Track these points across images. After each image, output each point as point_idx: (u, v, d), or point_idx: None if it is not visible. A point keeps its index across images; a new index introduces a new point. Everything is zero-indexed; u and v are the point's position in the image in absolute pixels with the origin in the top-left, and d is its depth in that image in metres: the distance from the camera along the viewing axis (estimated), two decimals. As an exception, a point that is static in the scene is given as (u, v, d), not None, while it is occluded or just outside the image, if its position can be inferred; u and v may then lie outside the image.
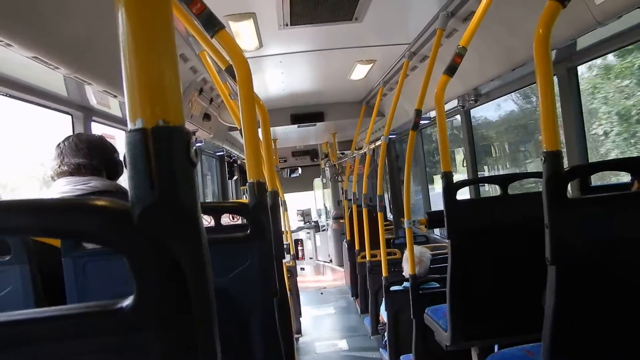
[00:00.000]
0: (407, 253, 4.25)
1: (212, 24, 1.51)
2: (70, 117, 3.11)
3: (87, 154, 1.98)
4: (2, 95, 2.44)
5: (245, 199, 1.69)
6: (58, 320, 0.47)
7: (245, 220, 1.53)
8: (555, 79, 3.20)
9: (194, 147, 0.49)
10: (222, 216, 1.94)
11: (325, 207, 11.90)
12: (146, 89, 0.47)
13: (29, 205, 0.46)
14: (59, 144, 2.01)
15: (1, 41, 1.78)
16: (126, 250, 0.46)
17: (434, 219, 2.97)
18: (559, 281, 1.52)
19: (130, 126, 0.47)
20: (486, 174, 5.56)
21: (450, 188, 2.47)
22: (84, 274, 1.47)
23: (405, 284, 4.31)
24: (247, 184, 1.52)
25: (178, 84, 0.49)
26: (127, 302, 0.46)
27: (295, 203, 12.17)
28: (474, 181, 4.62)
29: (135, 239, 0.46)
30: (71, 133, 3.01)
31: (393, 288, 4.36)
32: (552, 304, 1.56)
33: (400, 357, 4.23)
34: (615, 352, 1.60)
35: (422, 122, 4.46)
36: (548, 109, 1.49)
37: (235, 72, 1.52)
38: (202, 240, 0.49)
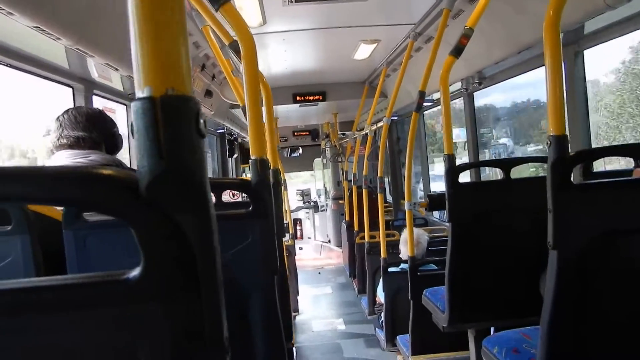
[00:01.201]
0: (404, 235, 4.27)
1: None
2: (71, 89, 3.09)
3: (87, 127, 1.97)
4: (3, 65, 2.41)
5: (245, 177, 1.68)
6: (63, 289, 0.46)
7: (245, 199, 1.52)
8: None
9: (202, 117, 0.48)
10: (222, 193, 1.93)
11: (325, 188, 11.91)
12: (156, 55, 0.45)
13: (36, 172, 0.44)
14: (58, 116, 2.00)
15: (2, 9, 1.75)
16: (133, 220, 0.45)
17: (435, 202, 2.96)
18: (560, 266, 1.52)
19: (137, 94, 0.46)
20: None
21: (452, 171, 2.46)
22: (84, 247, 1.46)
23: (403, 265, 4.34)
24: (250, 160, 1.51)
25: (187, 53, 0.47)
26: (134, 273, 0.46)
27: (295, 183, 12.18)
28: (477, 164, 4.61)
29: (142, 209, 0.45)
30: (71, 106, 2.99)
31: (391, 269, 4.39)
32: (552, 289, 1.56)
33: (397, 337, 4.27)
34: (614, 340, 1.61)
35: (425, 104, 4.44)
36: (556, 93, 1.47)
37: (240, 47, 1.50)
38: (210, 211, 0.48)
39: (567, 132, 1.50)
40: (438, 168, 6.79)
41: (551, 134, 1.47)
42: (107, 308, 0.46)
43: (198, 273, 0.46)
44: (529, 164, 4.17)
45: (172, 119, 0.46)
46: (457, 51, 2.55)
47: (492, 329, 2.88)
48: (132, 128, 0.46)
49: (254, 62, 1.51)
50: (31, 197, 0.46)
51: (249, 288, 1.50)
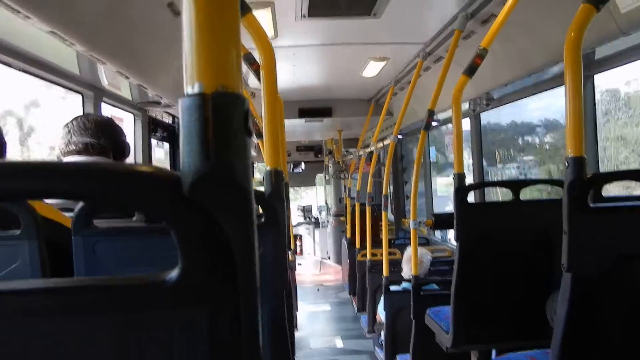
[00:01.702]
0: (407, 253, 4.24)
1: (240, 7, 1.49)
2: (80, 96, 3.09)
3: (96, 134, 1.97)
4: (17, 69, 2.42)
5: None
6: (97, 291, 0.44)
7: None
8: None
9: (251, 117, 0.47)
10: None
11: (327, 204, 11.88)
12: (209, 51, 0.44)
13: (79, 169, 0.43)
14: (67, 123, 2.00)
15: (20, 12, 1.76)
16: (174, 220, 0.44)
17: (440, 221, 2.95)
18: (574, 289, 1.50)
19: (187, 90, 0.45)
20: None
21: (461, 190, 2.45)
22: (93, 254, 1.45)
23: (404, 284, 4.30)
24: (265, 171, 1.50)
25: (239, 51, 0.46)
26: (172, 275, 0.44)
27: (296, 198, 12.15)
28: (486, 184, 4.60)
29: (184, 209, 0.43)
30: (80, 113, 2.99)
31: (392, 288, 4.35)
32: (564, 312, 1.54)
33: (397, 357, 4.22)
34: None
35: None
36: (575, 114, 1.47)
37: (260, 59, 1.50)
38: (252, 214, 0.46)
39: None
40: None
41: (569, 155, 1.46)
42: (143, 311, 0.45)
43: (237, 277, 0.45)
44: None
45: (223, 117, 0.44)
46: (471, 71, 2.56)
47: (493, 352, 2.85)
48: (178, 125, 0.45)
49: (273, 74, 1.51)
50: (74, 193, 0.44)
51: (260, 300, 1.47)
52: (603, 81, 3.19)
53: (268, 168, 1.49)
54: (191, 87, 0.44)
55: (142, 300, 0.44)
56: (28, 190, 0.42)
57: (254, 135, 1.66)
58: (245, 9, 1.49)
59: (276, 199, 1.45)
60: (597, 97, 3.18)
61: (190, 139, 0.44)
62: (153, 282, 0.44)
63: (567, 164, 1.46)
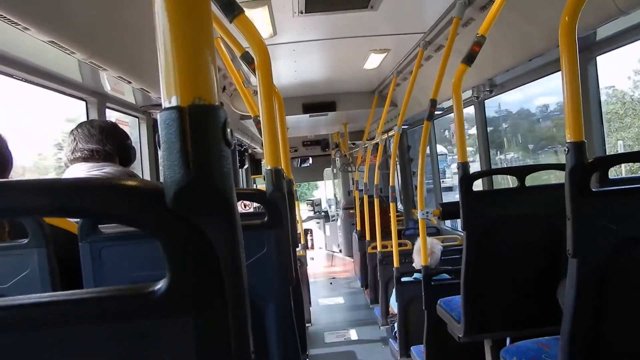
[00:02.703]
0: (417, 244, 4.24)
1: (231, 8, 1.49)
2: (84, 103, 3.11)
3: (100, 140, 2.00)
4: (19, 79, 2.44)
5: (256, 188, 1.68)
6: (86, 303, 0.45)
7: (258, 209, 1.52)
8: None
9: (229, 127, 0.47)
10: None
11: (336, 197, 11.89)
12: (183, 65, 0.45)
13: (59, 184, 0.44)
14: (72, 130, 2.03)
15: (18, 25, 1.78)
16: (158, 232, 0.44)
17: (447, 211, 2.94)
18: (580, 274, 1.50)
19: (165, 104, 0.45)
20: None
21: (466, 179, 2.45)
22: (100, 259, 1.46)
23: (416, 275, 4.30)
24: (265, 170, 1.51)
25: (214, 63, 0.47)
26: (159, 286, 0.45)
27: (305, 194, 12.17)
28: (491, 172, 4.57)
29: (168, 220, 0.44)
30: (85, 119, 3.01)
31: (404, 279, 4.35)
32: (572, 298, 1.54)
33: (411, 348, 4.22)
34: (636, 349, 1.58)
35: (436, 112, 4.42)
36: (573, 99, 1.46)
37: (255, 58, 1.50)
38: (237, 223, 0.47)
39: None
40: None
41: (569, 141, 1.46)
42: (131, 322, 0.45)
43: (225, 285, 0.45)
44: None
45: (200, 128, 0.45)
46: (469, 59, 2.54)
47: (508, 340, 2.84)
48: (159, 138, 0.46)
49: (268, 72, 1.51)
50: (55, 209, 0.45)
51: (266, 299, 1.49)
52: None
53: (268, 167, 1.50)
54: (168, 101, 0.45)
55: (131, 311, 0.45)
56: (5, 209, 0.43)
57: (259, 135, 1.68)
58: (238, 10, 1.49)
59: (278, 198, 1.46)
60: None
61: (169, 152, 0.45)
62: (141, 293, 0.45)
63: (567, 150, 1.46)
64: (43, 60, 2.50)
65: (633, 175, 2.90)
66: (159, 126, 0.45)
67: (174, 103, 0.45)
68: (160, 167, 0.46)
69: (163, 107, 0.45)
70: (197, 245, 0.45)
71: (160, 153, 0.46)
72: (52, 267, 1.44)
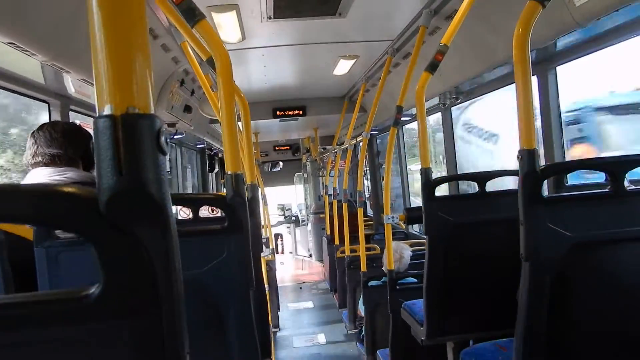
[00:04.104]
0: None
1: (192, 14, 1.50)
2: (47, 105, 3.05)
3: (63, 144, 1.93)
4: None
5: (216, 193, 1.68)
6: (20, 307, 0.46)
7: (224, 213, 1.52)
8: (535, 79, 3.23)
9: (165, 136, 0.48)
10: (202, 208, 1.92)
11: (306, 202, 11.90)
12: (116, 75, 0.46)
13: None
14: (33, 132, 1.95)
15: None
16: (92, 237, 0.45)
17: (412, 215, 2.99)
18: (533, 277, 1.55)
19: (98, 112, 0.46)
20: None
21: (428, 184, 2.49)
22: (56, 265, 1.45)
23: (385, 279, 4.34)
24: (225, 176, 1.52)
25: (149, 71, 0.48)
26: (93, 290, 0.46)
27: (276, 197, 12.15)
28: (452, 178, 4.66)
29: (101, 226, 0.45)
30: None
31: (371, 283, 4.39)
32: (525, 300, 1.59)
33: (377, 352, 4.26)
34: (587, 350, 1.63)
35: (403, 118, 4.48)
36: (526, 108, 1.51)
37: (215, 63, 1.51)
38: (171, 228, 0.48)
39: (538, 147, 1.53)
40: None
41: (522, 148, 1.51)
42: (66, 325, 0.46)
43: (159, 290, 0.46)
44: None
45: (132, 137, 0.46)
46: (432, 67, 2.59)
47: (471, 342, 2.89)
48: (93, 146, 0.47)
49: (229, 78, 1.52)
50: None
51: (225, 303, 1.49)
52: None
53: (229, 172, 1.51)
54: (102, 110, 0.46)
55: (65, 315, 0.46)
56: None
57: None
58: (199, 16, 1.50)
59: (237, 203, 1.47)
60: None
61: (103, 159, 0.46)
62: (75, 297, 0.46)
63: (519, 157, 1.51)
64: (3, 61, 2.45)
65: (589, 182, 2.99)
66: (93, 134, 0.46)
67: (107, 112, 0.46)
68: (96, 173, 0.47)
69: (97, 115, 0.46)
70: (130, 251, 0.46)
71: (95, 161, 0.47)
72: (5, 271, 1.42)
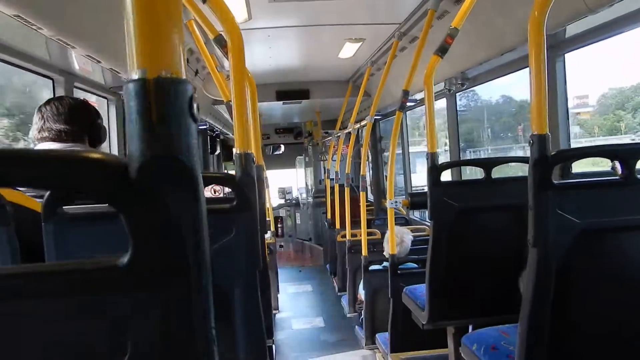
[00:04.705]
0: (388, 233, 4.30)
1: None
2: (51, 81, 3.03)
3: (69, 120, 1.93)
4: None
5: (226, 172, 1.67)
6: (51, 276, 0.45)
7: (228, 195, 1.52)
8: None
9: (196, 103, 0.47)
10: (204, 189, 1.91)
11: (307, 186, 11.90)
12: (150, 37, 0.45)
13: (23, 154, 0.44)
14: (40, 107, 1.95)
15: None
16: (121, 204, 0.44)
17: (416, 201, 2.98)
18: (539, 264, 1.55)
19: (131, 75, 0.45)
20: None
21: (434, 169, 2.48)
22: (65, 240, 1.44)
23: (385, 263, 4.36)
24: (234, 154, 1.51)
25: (182, 37, 0.47)
26: (122, 259, 0.45)
27: (276, 180, 12.15)
28: (459, 163, 4.65)
29: (132, 193, 0.44)
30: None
31: (372, 267, 4.41)
32: (531, 286, 1.59)
33: (376, 335, 4.29)
34: (591, 337, 1.64)
35: (408, 104, 4.46)
36: (539, 93, 1.50)
37: (227, 41, 1.49)
38: (201, 198, 0.47)
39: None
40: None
41: (533, 133, 1.49)
42: (94, 295, 0.46)
43: (188, 261, 0.46)
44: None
45: (165, 101, 0.45)
46: (442, 51, 2.57)
47: (470, 327, 2.91)
48: (124, 110, 0.45)
49: (241, 56, 1.50)
50: (18, 179, 0.45)
51: (232, 283, 1.49)
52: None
53: (238, 151, 1.50)
54: (135, 73, 0.45)
55: (95, 284, 0.45)
56: None
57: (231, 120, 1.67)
58: None
59: (247, 182, 1.46)
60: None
61: (134, 124, 0.45)
62: (105, 267, 0.45)
63: (531, 142, 1.49)
64: (8, 35, 2.43)
65: (596, 170, 2.98)
66: (125, 98, 0.45)
67: (140, 75, 0.45)
68: (127, 139, 0.46)
69: (129, 79, 0.45)
70: (160, 220, 0.45)
71: (126, 126, 0.46)
72: (14, 246, 1.41)
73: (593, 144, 4.67)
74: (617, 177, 1.58)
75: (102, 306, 0.46)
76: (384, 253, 4.42)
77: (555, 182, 1.53)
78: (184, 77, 0.46)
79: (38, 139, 1.92)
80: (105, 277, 0.45)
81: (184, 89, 0.46)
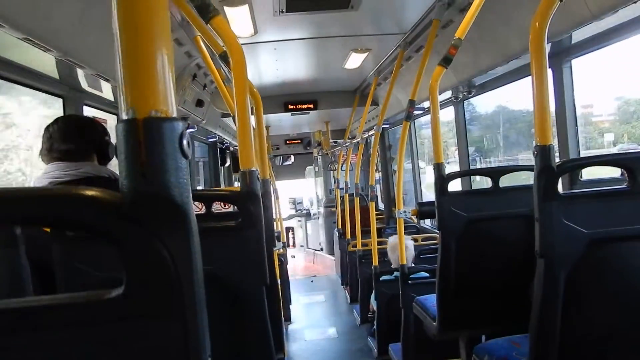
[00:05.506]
0: (391, 242, 4.30)
1: (206, 10, 1.50)
2: (61, 100, 3.08)
3: (77, 139, 1.94)
4: (-7, 76, 2.41)
5: (237, 186, 1.68)
6: (46, 310, 0.46)
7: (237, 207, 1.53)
8: (550, 72, 3.19)
9: (186, 139, 0.49)
10: (214, 202, 1.93)
11: (317, 196, 11.91)
12: (140, 79, 0.46)
13: (19, 193, 0.45)
14: (48, 127, 1.96)
15: None
16: (116, 239, 0.46)
17: (424, 210, 2.98)
18: (547, 274, 1.54)
19: (122, 116, 0.47)
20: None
21: (441, 180, 2.48)
22: (73, 259, 1.46)
23: (396, 273, 4.34)
24: (239, 172, 1.52)
25: (172, 75, 0.48)
26: (116, 292, 0.46)
27: (287, 191, 12.18)
28: (466, 173, 4.64)
29: (124, 228, 0.45)
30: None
31: (383, 277, 4.39)
32: (539, 297, 1.58)
33: (389, 346, 4.26)
34: (601, 346, 1.62)
35: (415, 112, 4.46)
36: (542, 103, 1.49)
37: (230, 59, 1.51)
38: (193, 231, 0.48)
39: (555, 142, 1.52)
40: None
41: (537, 144, 1.49)
42: (90, 327, 0.46)
43: (182, 293, 0.47)
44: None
45: (155, 140, 0.46)
46: (446, 61, 2.58)
47: (483, 337, 2.89)
48: (116, 149, 0.47)
49: (243, 74, 1.52)
50: (14, 219, 0.46)
51: (239, 298, 1.50)
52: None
53: (242, 169, 1.51)
54: (125, 113, 0.46)
55: (87, 318, 0.46)
56: None
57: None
58: (213, 12, 1.50)
59: (251, 199, 1.47)
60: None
61: (126, 162, 0.46)
62: (98, 300, 0.46)
63: (535, 153, 1.49)
64: (19, 56, 2.47)
65: (604, 177, 2.96)
66: (116, 137, 0.47)
67: (130, 115, 0.46)
68: (119, 177, 0.47)
69: (120, 119, 0.47)
70: (153, 252, 0.46)
71: (118, 164, 0.47)
72: (24, 267, 1.43)
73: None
74: (623, 187, 1.57)
75: (93, 339, 0.47)
76: (392, 263, 4.40)
77: (561, 192, 1.53)
78: (174, 115, 0.48)
79: (48, 159, 1.94)
80: (98, 309, 0.46)
81: (173, 127, 0.47)
